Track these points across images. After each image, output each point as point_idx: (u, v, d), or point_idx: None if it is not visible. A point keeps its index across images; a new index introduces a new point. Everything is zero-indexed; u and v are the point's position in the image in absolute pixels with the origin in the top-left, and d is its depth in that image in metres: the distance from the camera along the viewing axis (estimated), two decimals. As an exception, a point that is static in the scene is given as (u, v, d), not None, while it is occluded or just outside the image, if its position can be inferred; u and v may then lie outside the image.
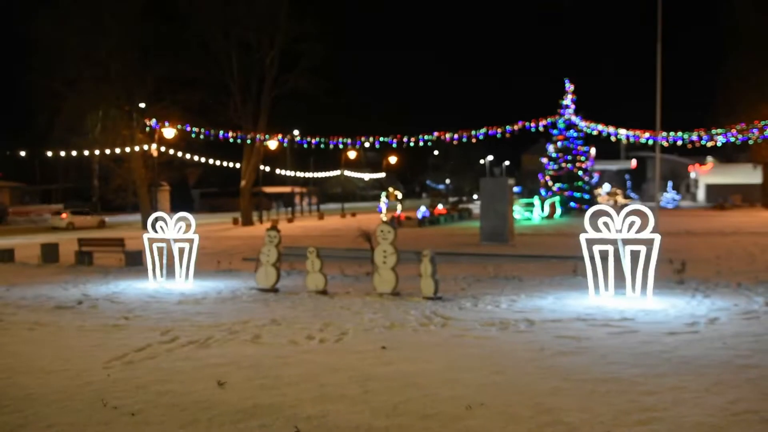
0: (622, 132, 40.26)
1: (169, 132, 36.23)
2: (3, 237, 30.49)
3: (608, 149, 68.42)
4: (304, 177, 71.97)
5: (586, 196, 44.35)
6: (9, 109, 73.10)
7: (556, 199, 40.70)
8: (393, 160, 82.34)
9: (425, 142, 43.15)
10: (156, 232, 13.88)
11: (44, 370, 6.77)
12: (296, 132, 53.66)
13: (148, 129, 37.75)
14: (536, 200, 38.89)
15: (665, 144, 35.92)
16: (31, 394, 5.97)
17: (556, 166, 45.36)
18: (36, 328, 9.07)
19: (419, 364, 6.78)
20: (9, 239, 28.66)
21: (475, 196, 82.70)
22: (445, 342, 7.83)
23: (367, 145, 42.21)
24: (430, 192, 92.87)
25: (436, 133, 44.40)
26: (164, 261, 14.02)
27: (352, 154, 64.71)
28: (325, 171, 70.45)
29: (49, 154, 40.87)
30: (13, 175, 64.51)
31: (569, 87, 44.84)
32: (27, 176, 67.38)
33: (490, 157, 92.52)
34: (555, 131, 45.46)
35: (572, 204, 43.64)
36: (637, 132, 38.68)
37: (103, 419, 5.31)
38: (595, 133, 42.29)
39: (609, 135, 41.44)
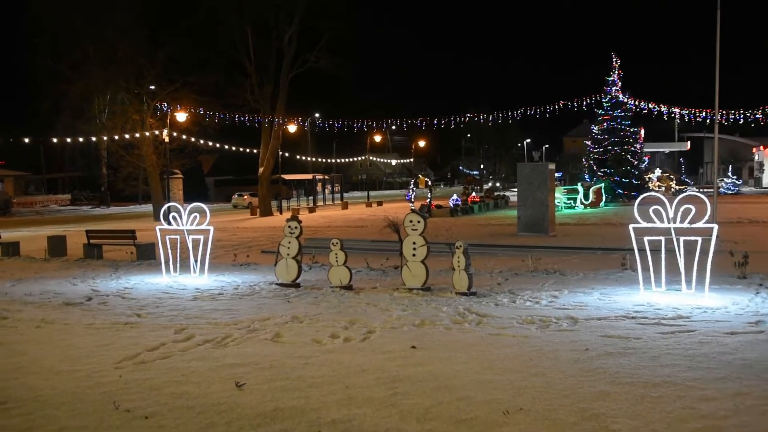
0: (676, 110, 39.54)
1: (181, 116, 36.60)
2: (10, 228, 31.17)
3: (660, 130, 67.42)
4: (326, 163, 72.31)
5: (635, 182, 43.68)
6: (12, 95, 74.55)
7: (602, 185, 40.16)
8: (422, 144, 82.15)
9: (457, 123, 42.98)
10: (169, 223, 14.06)
11: (52, 371, 6.92)
12: (317, 115, 53.74)
13: (158, 113, 38.20)
14: (579, 187, 38.46)
15: (725, 123, 35.18)
16: (39, 396, 6.10)
17: (601, 149, 44.73)
18: (43, 325, 9.27)
19: (452, 365, 6.77)
20: (17, 230, 29.31)
21: (508, 190, 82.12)
22: (479, 341, 7.80)
23: (393, 128, 42.11)
24: (462, 178, 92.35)
25: (469, 114, 44.20)
26: (178, 254, 14.21)
27: (377, 138, 64.83)
28: (348, 156, 70.68)
29: (55, 140, 41.70)
30: (17, 163, 65.83)
31: (615, 62, 44.13)
32: (31, 165, 68.80)
33: (529, 141, 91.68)
34: (600, 111, 44.82)
35: (619, 191, 43.04)
36: (693, 110, 37.96)
37: (115, 423, 5.41)
38: (644, 112, 41.64)
39: (661, 114, 40.74)
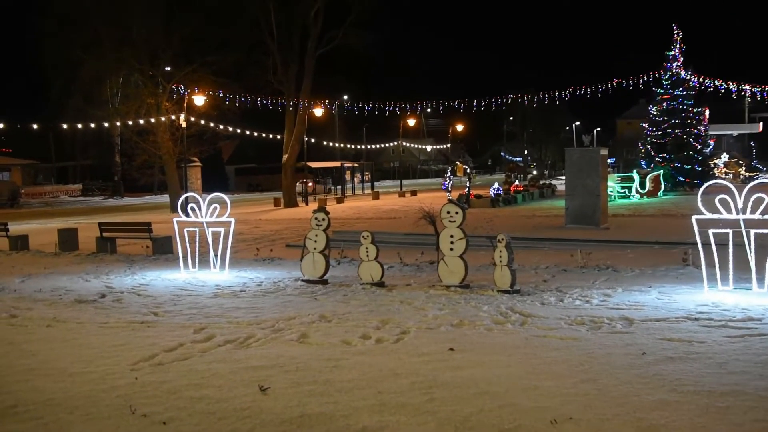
0: (746, 88, 38.67)
1: (199, 99, 37.03)
2: (19, 221, 31.89)
3: (727, 110, 65.98)
4: (356, 149, 72.46)
5: (699, 169, 42.90)
6: (20, 80, 76.04)
7: (661, 172, 39.58)
8: (460, 128, 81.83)
9: (499, 105, 42.68)
10: (187, 215, 14.25)
11: (65, 373, 7.08)
12: (345, 97, 53.78)
13: (175, 96, 38.66)
14: (635, 174, 37.96)
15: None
16: (51, 399, 6.25)
17: (659, 132, 43.98)
18: (54, 324, 9.49)
19: (493, 369, 6.76)
20: (26, 223, 29.94)
21: (555, 178, 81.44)
22: (524, 343, 7.78)
23: (429, 110, 41.94)
24: (504, 165, 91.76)
25: (512, 95, 43.85)
26: (197, 248, 14.40)
27: (411, 122, 64.68)
28: (379, 142, 70.75)
29: (65, 127, 42.49)
30: (25, 151, 67.04)
31: (677, 34, 43.31)
32: (40, 153, 70.13)
33: (578, 123, 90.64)
34: (659, 89, 44.05)
35: (680, 178, 42.34)
36: (766, 87, 37.09)
37: (132, 428, 5.52)
38: (710, 90, 40.80)
39: (728, 92, 39.89)
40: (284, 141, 41.21)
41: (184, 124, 36.21)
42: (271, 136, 47.01)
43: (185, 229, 14.38)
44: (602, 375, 6.51)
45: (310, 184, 53.41)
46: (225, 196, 14.53)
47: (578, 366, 6.83)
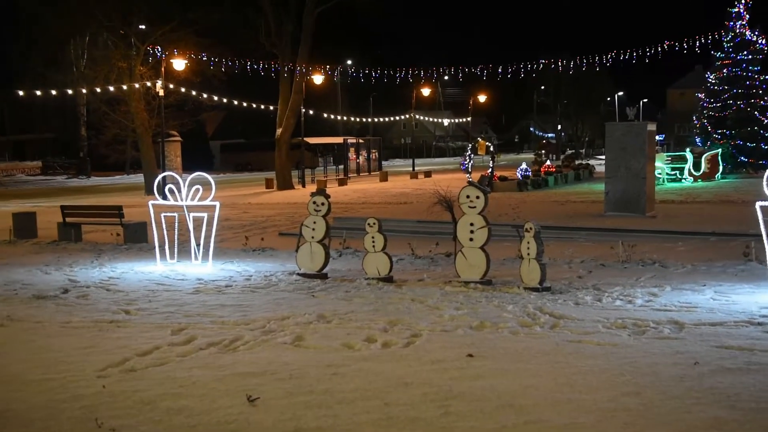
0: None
1: (179, 63, 36.96)
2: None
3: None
4: (361, 123, 72.37)
5: (765, 147, 42.62)
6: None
7: (719, 151, 39.39)
8: (482, 99, 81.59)
9: (528, 73, 42.53)
10: (164, 198, 14.27)
11: (21, 380, 7.11)
12: (349, 62, 53.58)
13: (151, 60, 38.63)
14: (688, 153, 37.78)
15: None
16: (5, 411, 6.28)
17: (719, 104, 43.72)
18: (8, 324, 9.52)
19: (519, 380, 6.77)
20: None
21: (594, 158, 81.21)
22: (554, 350, 7.78)
23: (446, 78, 41.74)
24: (534, 143, 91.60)
25: (543, 61, 43.64)
26: (176, 236, 14.42)
27: (425, 92, 64.56)
28: (388, 115, 70.61)
29: (21, 94, 42.52)
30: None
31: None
32: (-7, 125, 70.45)
33: (621, 94, 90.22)
34: (719, 53, 43.72)
35: (743, 158, 42.11)
36: None
37: (98, 444, 5.54)
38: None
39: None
40: (278, 113, 41.19)
41: (161, 92, 36.14)
42: (263, 107, 46.98)
43: (162, 214, 14.39)
44: (647, 388, 6.50)
45: (361, 159, 54.61)
46: (209, 176, 14.54)
47: (618, 377, 6.82)
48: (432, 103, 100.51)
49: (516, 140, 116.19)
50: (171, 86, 38.40)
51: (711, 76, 44.76)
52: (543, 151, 46.09)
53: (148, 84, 38.03)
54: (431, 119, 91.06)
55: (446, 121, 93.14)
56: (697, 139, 44.05)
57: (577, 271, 12.60)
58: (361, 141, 61.72)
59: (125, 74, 38.12)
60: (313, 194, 12.78)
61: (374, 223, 12.15)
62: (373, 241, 12.08)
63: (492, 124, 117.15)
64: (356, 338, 8.38)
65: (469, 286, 11.24)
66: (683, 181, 36.35)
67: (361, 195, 33.50)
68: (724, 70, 43.71)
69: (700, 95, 45.82)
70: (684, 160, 37.20)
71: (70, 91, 42.77)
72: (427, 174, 49.51)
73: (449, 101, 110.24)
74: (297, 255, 12.73)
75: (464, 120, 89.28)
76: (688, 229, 17.60)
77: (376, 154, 61.75)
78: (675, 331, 8.45)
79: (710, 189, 31.77)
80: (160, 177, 14.78)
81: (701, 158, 37.60)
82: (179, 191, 14.06)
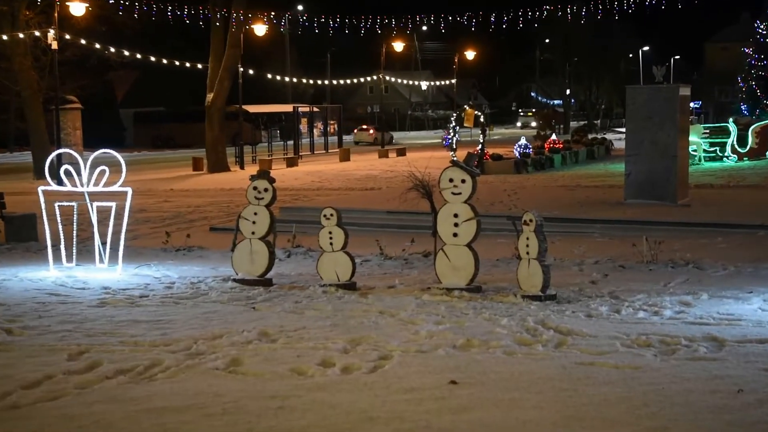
0: None
1: (77, 7, 36.52)
2: None
3: None
4: (316, 87, 72.14)
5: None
6: None
7: (769, 122, 39.79)
8: (471, 55, 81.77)
9: (528, 22, 42.60)
10: (60, 183, 14.11)
11: None
12: (300, 8, 53.37)
13: (40, 2, 38.12)
14: (731, 125, 38.11)
15: None
16: None
17: (768, 62, 44.22)
18: None
19: (515, 413, 6.77)
20: None
21: (611, 130, 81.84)
22: (561, 374, 7.80)
23: (425, 29, 41.75)
24: (535, 112, 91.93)
25: (548, 7, 43.77)
26: (75, 233, 14.27)
27: (398, 47, 64.57)
28: (351, 77, 70.48)
29: None
30: None
31: None
32: None
33: (646, 49, 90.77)
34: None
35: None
36: None
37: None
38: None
39: None
40: (208, 73, 41.00)
41: (54, 45, 35.68)
42: (188, 65, 46.53)
43: (57, 204, 14.23)
44: (678, 422, 6.52)
45: (371, 131, 56.68)
46: (118, 155, 14.40)
47: (641, 408, 6.84)
48: (407, 62, 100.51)
49: (513, 108, 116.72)
50: (67, 37, 37.94)
51: (761, 27, 45.18)
52: (548, 123, 46.13)
53: (37, 34, 37.51)
54: (406, 81, 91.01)
55: (424, 84, 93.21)
56: (743, 107, 44.51)
57: (589, 275, 12.64)
58: (316, 110, 61.58)
59: (5, 20, 37.55)
60: (253, 177, 12.71)
61: (332, 215, 12.10)
62: (331, 238, 12.03)
63: (482, 87, 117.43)
64: (309, 362, 8.33)
65: (453, 294, 11.22)
66: (725, 159, 36.65)
67: (316, 179, 33.43)
68: (776, 19, 44.17)
69: (747, 50, 46.30)
70: (726, 133, 37.50)
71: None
72: (401, 152, 49.55)
73: (429, 59, 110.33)
74: (233, 256, 12.65)
75: (447, 82, 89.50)
76: (731, 221, 17.75)
77: (336, 125, 61.62)
78: (713, 350, 8.49)
79: (759, 170, 32.07)
80: (53, 155, 14.58)
81: (748, 131, 37.91)
82: (79, 174, 13.90)
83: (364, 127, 58.27)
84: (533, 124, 76.83)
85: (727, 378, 7.59)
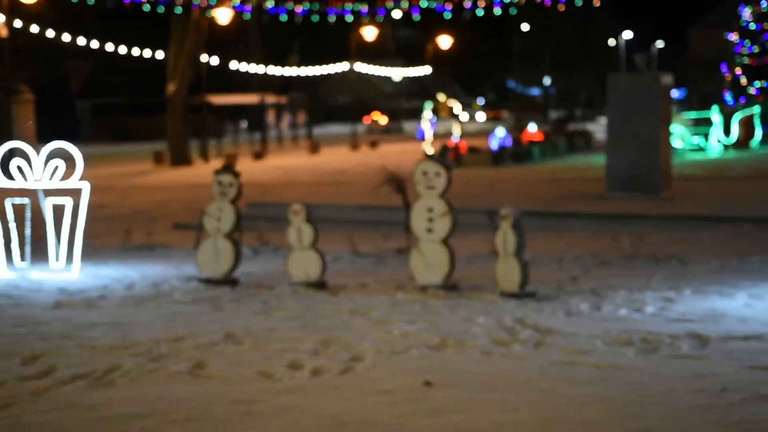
0: None
1: (31, -9, 36.28)
2: None
3: None
4: (284, 77, 71.91)
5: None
6: None
7: (756, 110, 40.05)
8: (447, 43, 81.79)
9: (506, 7, 42.74)
10: (10, 178, 14.00)
11: None
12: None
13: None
14: (715, 114, 38.31)
15: None
16: None
17: (757, 49, 44.50)
18: None
19: (492, 415, 6.79)
20: None
21: (592, 120, 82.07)
22: (540, 375, 7.83)
23: (399, 15, 41.82)
24: (514, 101, 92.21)
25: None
26: (27, 231, 14.18)
27: (370, 34, 64.52)
28: (321, 65, 70.38)
29: None
30: None
31: None
32: None
33: (628, 35, 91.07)
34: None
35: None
36: None
37: None
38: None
39: None
40: (169, 62, 40.79)
41: (4, 32, 35.46)
42: (148, 53, 46.30)
43: (8, 201, 14.13)
44: (660, 422, 6.55)
45: (283, 124, 55.83)
46: (74, 148, 14.31)
47: (623, 408, 6.87)
48: (380, 50, 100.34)
49: (490, 98, 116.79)
50: (19, 23, 37.68)
51: (745, 11, 45.45)
52: (526, 113, 46.34)
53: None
54: (379, 71, 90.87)
55: (398, 73, 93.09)
56: (728, 95, 44.73)
57: (569, 271, 12.70)
58: (283, 101, 61.41)
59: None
60: (217, 172, 12.68)
61: (301, 210, 12.09)
62: (300, 234, 12.03)
63: (458, 76, 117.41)
64: (277, 364, 8.32)
65: (428, 292, 11.24)
66: (708, 150, 36.84)
67: (284, 173, 33.38)
68: (764, 3, 44.44)
69: (731, 36, 46.55)
70: (710, 123, 37.70)
71: None
72: (373, 144, 49.55)
73: (402, 46, 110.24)
74: (197, 254, 12.63)
75: (422, 71, 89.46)
76: (715, 214, 17.85)
77: (305, 117, 61.55)
78: (697, 348, 8.54)
79: (744, 161, 32.24)
80: (3, 149, 14.44)
81: (733, 120, 38.13)
82: (31, 168, 13.82)
83: (377, 115, 58.64)
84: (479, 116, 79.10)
85: (711, 376, 7.62)
